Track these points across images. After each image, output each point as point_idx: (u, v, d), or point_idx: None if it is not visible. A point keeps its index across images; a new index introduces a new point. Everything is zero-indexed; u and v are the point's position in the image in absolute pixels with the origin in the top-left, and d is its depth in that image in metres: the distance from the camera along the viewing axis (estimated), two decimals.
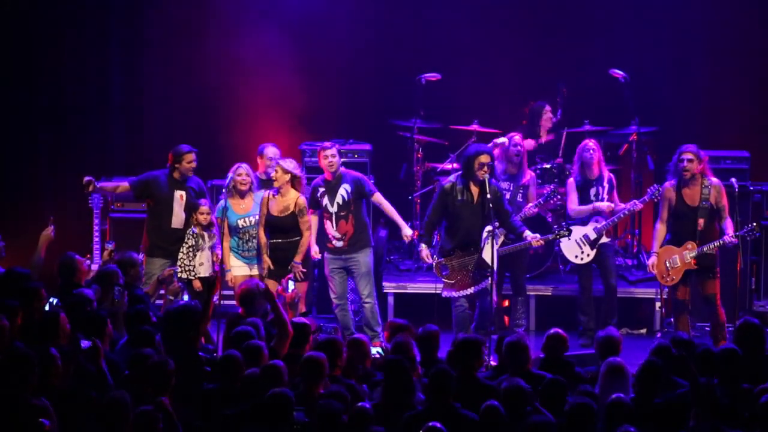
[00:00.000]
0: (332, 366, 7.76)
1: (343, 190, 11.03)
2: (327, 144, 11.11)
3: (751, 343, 8.24)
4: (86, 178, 11.05)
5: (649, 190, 11.35)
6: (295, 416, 6.96)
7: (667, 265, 10.79)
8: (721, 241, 10.63)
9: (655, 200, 11.28)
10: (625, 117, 12.68)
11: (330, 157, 10.98)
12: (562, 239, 11.04)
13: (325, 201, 11.03)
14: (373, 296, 11.21)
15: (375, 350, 9.70)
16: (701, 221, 10.68)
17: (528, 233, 10.63)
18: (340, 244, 11.10)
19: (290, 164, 10.75)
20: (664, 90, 13.46)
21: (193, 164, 11.03)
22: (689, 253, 10.71)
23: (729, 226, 10.66)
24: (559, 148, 12.73)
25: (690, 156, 10.71)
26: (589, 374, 8.30)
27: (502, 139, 11.74)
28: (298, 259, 10.75)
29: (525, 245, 10.74)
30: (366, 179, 11.18)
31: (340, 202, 11.03)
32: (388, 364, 7.49)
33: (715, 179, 10.79)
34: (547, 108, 12.85)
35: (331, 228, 11.07)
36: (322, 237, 11.21)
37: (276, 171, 10.66)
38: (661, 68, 13.44)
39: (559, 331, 8.42)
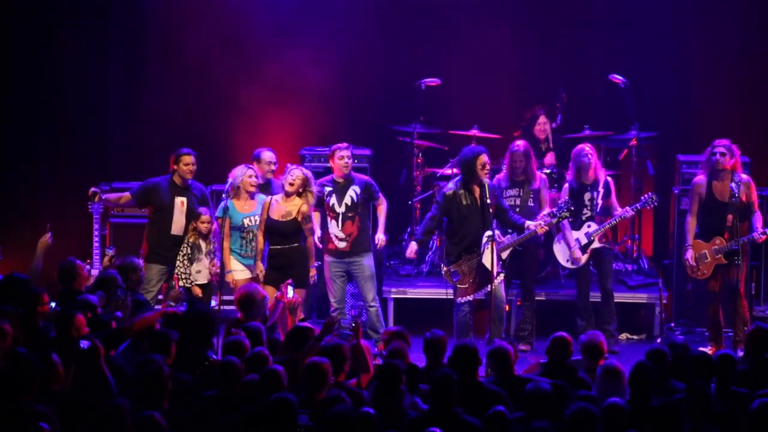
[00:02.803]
0: (338, 371, 7.75)
1: (353, 192, 11.10)
2: (342, 144, 11.17)
3: (763, 349, 8.22)
4: (92, 189, 11.11)
5: (642, 197, 11.37)
6: (299, 420, 6.95)
7: (698, 260, 10.96)
8: (749, 237, 10.78)
9: (648, 208, 11.34)
10: (624, 122, 12.68)
11: (345, 157, 11.08)
12: (559, 239, 10.98)
13: (332, 201, 11.08)
14: (377, 300, 11.29)
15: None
16: (730, 217, 10.81)
17: (530, 222, 10.65)
18: (342, 245, 11.12)
19: (308, 172, 10.75)
20: (664, 95, 13.46)
21: (191, 167, 10.99)
22: (718, 248, 10.89)
23: (758, 221, 10.82)
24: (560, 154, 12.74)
25: (723, 150, 10.87)
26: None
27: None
28: (312, 263, 10.72)
29: (530, 234, 10.75)
30: (375, 183, 11.26)
31: (349, 203, 11.09)
32: (381, 368, 7.48)
33: (745, 175, 10.95)
34: (541, 120, 12.78)
35: (335, 228, 11.10)
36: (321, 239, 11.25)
37: (297, 177, 10.60)
38: (660, 73, 13.43)
39: (564, 335, 8.30)
